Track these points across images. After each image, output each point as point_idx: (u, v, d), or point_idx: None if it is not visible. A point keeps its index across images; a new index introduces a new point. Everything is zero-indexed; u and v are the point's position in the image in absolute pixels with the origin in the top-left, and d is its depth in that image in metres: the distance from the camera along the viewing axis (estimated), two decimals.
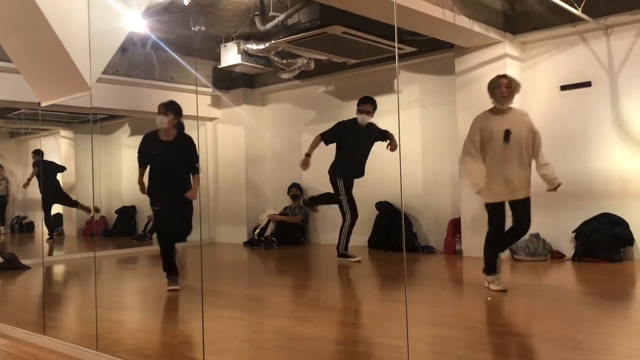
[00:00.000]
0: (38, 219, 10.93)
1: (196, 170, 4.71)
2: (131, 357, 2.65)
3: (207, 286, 4.90)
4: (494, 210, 4.12)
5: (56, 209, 10.49)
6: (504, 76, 4.15)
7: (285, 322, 3.45)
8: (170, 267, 4.63)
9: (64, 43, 2.59)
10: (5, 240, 10.48)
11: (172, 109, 4.57)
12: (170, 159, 4.62)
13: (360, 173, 6.16)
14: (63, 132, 10.50)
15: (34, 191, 10.63)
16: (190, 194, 4.56)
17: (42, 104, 2.97)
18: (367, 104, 6.02)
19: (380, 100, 6.71)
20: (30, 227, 11.19)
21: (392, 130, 6.14)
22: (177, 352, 2.85)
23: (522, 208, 4.09)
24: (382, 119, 6.19)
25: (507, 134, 4.04)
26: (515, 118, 4.13)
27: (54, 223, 10.43)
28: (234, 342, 3.04)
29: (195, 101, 8.11)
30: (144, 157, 4.73)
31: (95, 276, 4.62)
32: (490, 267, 4.18)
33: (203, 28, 6.15)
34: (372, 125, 6.13)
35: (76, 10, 2.63)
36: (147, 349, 2.91)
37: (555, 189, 4.14)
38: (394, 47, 6.09)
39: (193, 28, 6.19)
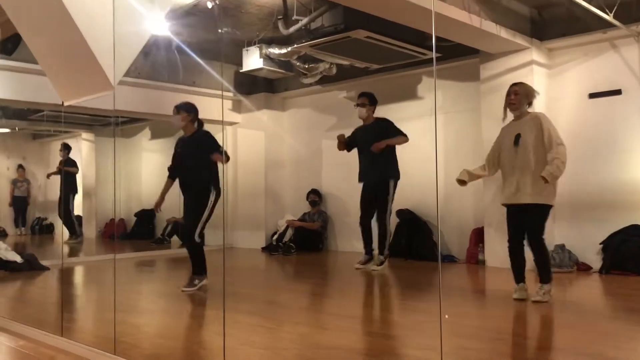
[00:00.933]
0: (58, 220, 11.01)
1: (220, 152, 4.64)
2: None
3: (225, 290, 4.84)
4: (507, 214, 4.18)
5: (77, 210, 10.57)
6: (515, 84, 4.21)
7: (305, 330, 3.37)
8: (193, 266, 4.64)
9: (89, 43, 2.57)
10: (25, 241, 10.58)
11: (181, 107, 4.71)
12: (187, 153, 4.74)
13: (376, 176, 5.79)
14: (85, 135, 10.58)
15: (55, 192, 10.74)
16: (216, 155, 4.56)
17: (65, 103, 2.94)
18: (361, 97, 5.87)
19: (402, 106, 6.65)
20: (50, 228, 11.28)
21: (423, 136, 6.06)
22: (196, 358, 2.78)
23: (530, 213, 4.02)
24: (404, 126, 6.08)
25: (517, 137, 4.09)
26: (527, 122, 4.10)
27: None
28: (253, 349, 2.97)
29: (218, 105, 8.11)
30: (173, 160, 4.89)
31: (115, 279, 4.60)
32: (514, 275, 4.11)
33: (229, 29, 6.13)
34: (381, 121, 5.88)
35: (101, 10, 2.60)
36: (165, 354, 2.85)
37: (545, 180, 3.88)
38: (418, 52, 6.01)
39: (219, 30, 6.19)
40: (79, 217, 10.45)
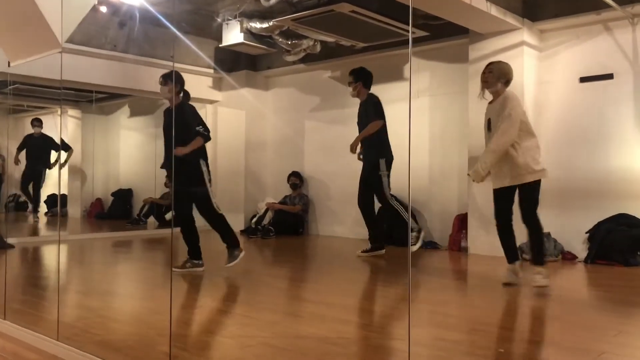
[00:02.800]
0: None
1: (196, 133, 4.39)
2: (94, 349, 2.37)
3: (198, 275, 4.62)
4: (494, 195, 4.06)
5: (52, 189, 10.26)
6: (491, 62, 4.15)
7: (275, 317, 3.16)
8: (225, 239, 4.55)
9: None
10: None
11: (169, 77, 4.45)
12: (170, 127, 4.51)
13: (366, 156, 5.56)
14: (71, 112, 10.22)
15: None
16: (178, 149, 4.28)
17: (12, 64, 2.67)
18: (349, 75, 5.57)
19: (389, 87, 6.41)
20: (24, 205, 10.91)
21: (402, 120, 5.79)
22: (149, 345, 2.56)
23: (515, 193, 3.96)
24: (391, 107, 5.84)
25: (489, 122, 4.05)
26: (498, 103, 3.96)
27: (49, 203, 10.21)
28: (217, 337, 2.76)
29: (197, 82, 7.83)
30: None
31: (59, 260, 4.36)
32: (506, 255, 4.07)
33: None
34: (370, 99, 5.50)
35: None
36: (117, 340, 2.62)
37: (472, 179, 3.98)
38: (407, 30, 5.77)
39: None
40: (54, 195, 10.16)
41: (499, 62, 4.17)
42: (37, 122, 8.83)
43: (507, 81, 4.03)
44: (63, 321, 2.79)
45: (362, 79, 5.52)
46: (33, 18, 2.41)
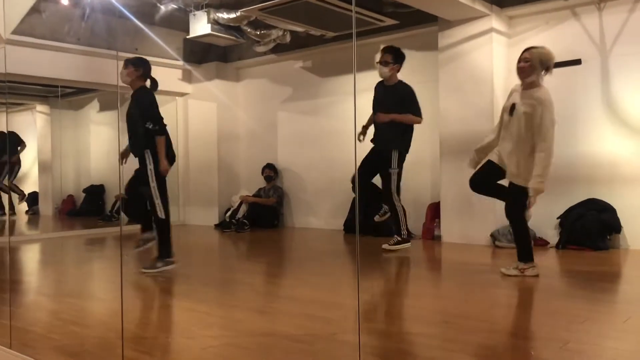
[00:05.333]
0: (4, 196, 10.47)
1: (146, 130, 4.06)
2: (51, 355, 2.28)
3: (164, 272, 4.53)
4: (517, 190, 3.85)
5: (32, 187, 10.05)
6: (527, 49, 3.82)
7: (240, 315, 3.10)
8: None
9: None
10: None
11: (129, 60, 4.20)
12: (129, 114, 4.23)
13: (379, 143, 5.17)
14: (39, 107, 9.97)
15: None
16: (161, 167, 4.09)
17: None
18: (385, 54, 5.05)
19: (360, 77, 6.33)
20: None
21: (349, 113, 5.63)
22: (108, 348, 2.48)
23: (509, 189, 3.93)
24: (362, 98, 5.78)
25: (512, 107, 3.81)
26: (530, 95, 3.73)
27: (29, 201, 10.00)
28: (178, 338, 2.69)
29: (165, 75, 7.67)
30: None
31: (9, 261, 4.22)
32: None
33: None
34: (403, 87, 5.11)
35: None
36: (74, 345, 2.54)
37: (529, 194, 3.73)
38: (375, 18, 5.71)
39: None
40: (35, 193, 9.96)
41: (536, 48, 3.80)
42: None
43: (548, 68, 3.75)
44: (19, 327, 2.69)
45: (400, 61, 5.11)
46: None
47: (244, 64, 7.90)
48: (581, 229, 5.04)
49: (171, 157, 4.31)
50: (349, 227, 6.68)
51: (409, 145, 5.22)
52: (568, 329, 2.65)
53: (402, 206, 5.25)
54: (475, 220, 5.46)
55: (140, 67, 4.20)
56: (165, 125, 4.22)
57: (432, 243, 5.79)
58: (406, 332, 2.78)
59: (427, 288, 3.93)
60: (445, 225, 5.73)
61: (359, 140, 5.24)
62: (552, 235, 5.36)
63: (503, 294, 3.61)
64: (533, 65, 3.71)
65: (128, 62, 4.22)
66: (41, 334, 2.69)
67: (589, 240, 4.98)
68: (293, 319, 3.00)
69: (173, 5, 6.33)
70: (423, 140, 6.29)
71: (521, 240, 3.96)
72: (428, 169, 6.28)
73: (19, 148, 9.03)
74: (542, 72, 3.76)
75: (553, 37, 5.45)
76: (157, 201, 4.16)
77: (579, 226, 5.07)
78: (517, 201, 3.84)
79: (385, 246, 5.16)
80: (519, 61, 3.78)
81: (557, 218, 5.30)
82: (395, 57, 5.06)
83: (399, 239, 5.16)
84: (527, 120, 3.71)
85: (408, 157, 6.42)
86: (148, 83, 4.26)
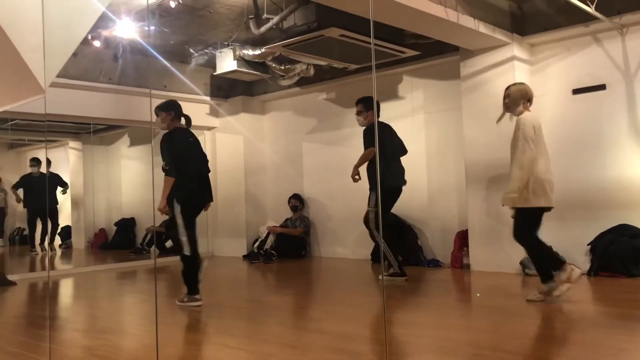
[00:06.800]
0: (38, 230, 10.77)
1: (165, 172, 4.23)
2: None
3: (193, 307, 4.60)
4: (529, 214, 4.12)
5: (65, 221, 10.34)
6: (509, 86, 4.24)
7: (271, 349, 3.13)
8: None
9: (13, 41, 2.32)
10: (3, 252, 10.27)
11: (160, 107, 4.40)
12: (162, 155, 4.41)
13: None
14: (72, 143, 10.32)
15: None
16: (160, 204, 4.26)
17: None
18: (357, 105, 5.42)
19: (383, 107, 6.41)
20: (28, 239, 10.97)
21: (406, 137, 5.62)
22: None
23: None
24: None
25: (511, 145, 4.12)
26: (515, 125, 4.09)
27: (63, 235, 10.29)
28: None
29: (194, 110, 7.87)
30: None
31: (48, 299, 4.33)
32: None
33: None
34: (379, 127, 5.31)
35: (27, 4, 2.36)
36: None
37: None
38: (396, 50, 5.80)
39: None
40: (67, 227, 10.25)
41: (516, 85, 4.22)
42: (34, 162, 8.98)
43: (528, 100, 4.11)
44: None
45: (371, 108, 5.34)
46: (15, 65, 2.43)
47: (269, 97, 8.08)
48: (613, 255, 4.96)
49: (207, 198, 4.56)
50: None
51: (392, 182, 5.26)
52: None
53: (384, 242, 5.36)
54: (504, 247, 5.42)
55: (171, 111, 4.39)
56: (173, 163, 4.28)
57: (461, 272, 5.75)
58: None
59: (457, 319, 3.90)
60: (474, 253, 5.70)
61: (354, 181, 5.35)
62: (582, 262, 5.27)
63: (534, 324, 3.57)
64: (513, 100, 4.11)
65: (158, 110, 4.39)
66: None
67: (622, 267, 4.90)
68: (323, 353, 3.02)
69: (206, 50, 6.55)
70: (449, 168, 6.32)
71: (536, 262, 4.10)
72: (454, 196, 6.28)
73: (61, 190, 9.31)
74: (527, 103, 4.11)
75: (575, 63, 5.46)
76: (183, 238, 4.28)
77: (611, 252, 5.00)
78: (519, 222, 4.06)
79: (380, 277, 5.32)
80: (504, 97, 4.18)
81: (588, 244, 5.22)
82: (365, 105, 5.36)
83: (391, 271, 5.26)
84: (513, 145, 4.03)
85: (433, 184, 6.47)
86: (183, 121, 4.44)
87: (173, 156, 4.28)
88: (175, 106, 4.45)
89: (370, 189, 5.29)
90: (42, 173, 8.87)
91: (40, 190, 8.72)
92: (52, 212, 9.16)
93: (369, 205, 5.33)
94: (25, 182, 8.97)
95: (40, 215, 8.90)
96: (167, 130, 4.40)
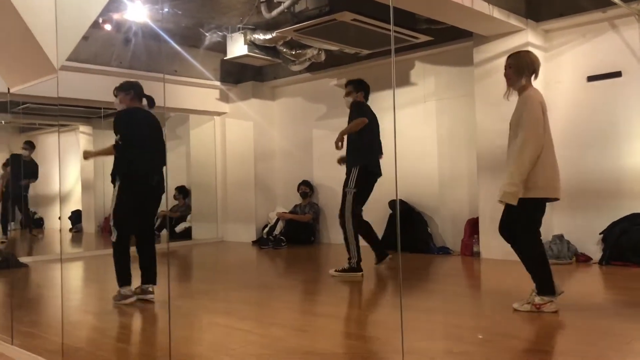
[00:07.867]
0: (48, 214, 10.86)
1: (115, 146, 3.99)
2: None
3: (205, 288, 4.62)
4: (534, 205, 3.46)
5: (75, 205, 10.42)
6: (510, 55, 3.57)
7: (281, 333, 3.14)
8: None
9: (31, 28, 2.31)
10: (15, 236, 10.37)
11: (119, 87, 4.20)
12: None
13: (347, 163, 5.15)
14: (82, 128, 10.34)
15: (44, 187, 10.55)
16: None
17: (12, 90, 2.69)
18: (347, 86, 5.22)
19: (396, 93, 6.37)
20: (39, 222, 11.07)
21: (417, 124, 5.56)
22: None
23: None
24: (399, 113, 5.80)
25: (510, 124, 3.47)
26: (519, 102, 3.43)
27: (73, 219, 10.38)
28: (219, 356, 2.74)
29: (203, 95, 7.86)
30: None
31: (59, 278, 4.38)
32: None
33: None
34: (366, 106, 5.15)
35: None
36: None
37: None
38: (409, 35, 5.74)
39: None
40: (78, 211, 10.32)
41: (518, 54, 3.57)
42: (27, 145, 9.03)
43: (533, 72, 3.46)
44: (69, 344, 2.80)
45: (360, 89, 5.19)
46: (28, 44, 2.43)
47: (279, 82, 8.04)
48: (626, 245, 4.92)
49: (155, 188, 4.17)
50: (386, 243, 6.65)
51: (372, 162, 4.99)
52: (614, 349, 2.60)
53: (355, 231, 4.95)
54: None
55: (130, 90, 4.18)
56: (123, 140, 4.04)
57: (471, 259, 5.73)
58: (446, 352, 2.76)
59: (467, 306, 3.89)
60: (485, 241, 5.67)
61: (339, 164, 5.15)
62: (594, 251, 5.24)
63: (544, 312, 3.54)
64: (517, 70, 3.45)
65: (116, 90, 4.19)
66: (89, 351, 2.78)
67: (635, 256, 4.86)
68: (333, 337, 3.02)
69: (217, 32, 6.50)
70: (460, 155, 6.28)
71: (533, 267, 3.40)
72: (465, 183, 6.24)
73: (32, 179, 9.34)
74: (532, 77, 3.48)
75: (591, 49, 5.38)
76: (111, 223, 4.06)
77: (623, 241, 4.95)
78: (516, 216, 3.40)
79: (331, 271, 5.00)
80: (504, 68, 3.54)
81: (600, 233, 5.18)
82: (355, 87, 5.13)
83: (346, 266, 4.90)
84: (514, 126, 3.42)
85: (444, 171, 6.43)
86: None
87: (122, 133, 4.01)
88: (134, 86, 4.20)
89: (352, 166, 4.97)
90: (32, 158, 8.95)
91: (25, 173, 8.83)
92: (18, 198, 9.19)
93: (346, 185, 4.98)
94: (15, 162, 9.02)
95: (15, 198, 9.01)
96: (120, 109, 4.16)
